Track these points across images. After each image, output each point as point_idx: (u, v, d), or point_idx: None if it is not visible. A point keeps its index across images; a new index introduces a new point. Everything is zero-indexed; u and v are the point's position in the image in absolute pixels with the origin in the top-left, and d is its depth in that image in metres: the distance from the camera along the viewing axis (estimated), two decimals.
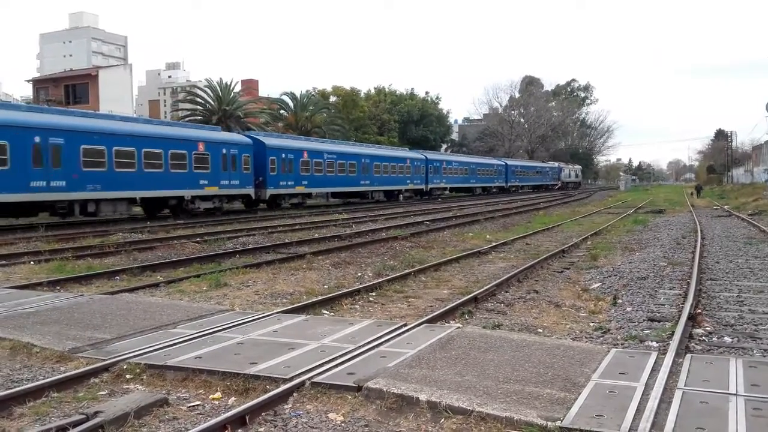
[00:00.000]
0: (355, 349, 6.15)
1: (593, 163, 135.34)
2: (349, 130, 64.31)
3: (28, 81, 67.29)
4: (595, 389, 4.97)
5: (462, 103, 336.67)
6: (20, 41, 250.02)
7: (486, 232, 21.82)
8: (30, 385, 5.35)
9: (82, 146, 24.07)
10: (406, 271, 12.16)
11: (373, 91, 79.51)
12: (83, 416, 4.57)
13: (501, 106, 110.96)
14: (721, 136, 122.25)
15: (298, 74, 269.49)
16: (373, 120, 72.12)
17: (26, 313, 7.93)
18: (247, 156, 32.62)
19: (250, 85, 79.71)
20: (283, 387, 5.16)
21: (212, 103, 54.49)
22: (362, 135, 65.43)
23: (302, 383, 5.25)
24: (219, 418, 4.56)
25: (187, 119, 52.98)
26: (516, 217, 30.24)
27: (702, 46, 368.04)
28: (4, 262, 14.01)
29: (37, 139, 22.55)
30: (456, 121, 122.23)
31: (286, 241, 18.01)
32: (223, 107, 53.35)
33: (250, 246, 16.93)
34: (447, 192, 60.39)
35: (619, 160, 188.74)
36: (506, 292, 10.49)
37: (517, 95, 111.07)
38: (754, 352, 6.91)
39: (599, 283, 11.37)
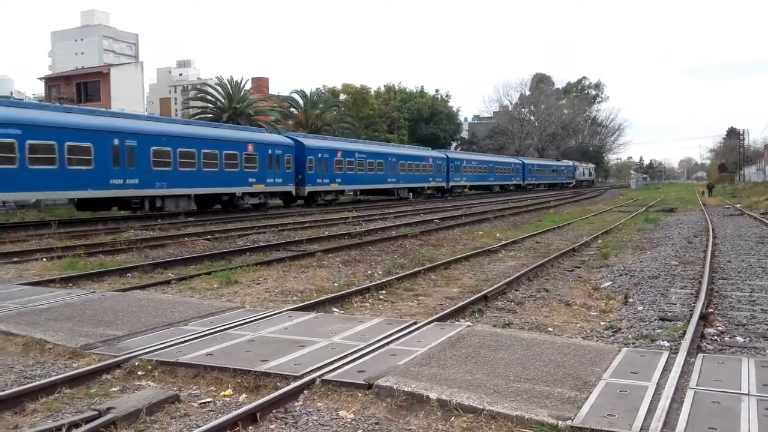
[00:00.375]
0: (365, 347, 6.16)
1: (604, 162, 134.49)
2: (359, 128, 64.23)
3: (40, 79, 67.74)
4: (606, 388, 4.96)
5: (472, 101, 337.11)
6: (32, 39, 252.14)
7: (496, 231, 21.77)
8: (43, 381, 5.39)
9: (152, 147, 26.37)
10: (416, 270, 12.16)
11: (383, 88, 79.28)
12: (95, 412, 4.61)
13: (511, 104, 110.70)
14: (733, 134, 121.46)
15: (308, 72, 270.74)
16: (383, 118, 71.98)
17: (39, 310, 8.00)
18: (289, 156, 35.02)
19: (260, 83, 79.62)
20: (293, 384, 5.17)
21: (223, 100, 54.55)
22: (372, 133, 65.32)
23: (313, 381, 5.26)
24: (230, 415, 4.58)
25: (197, 117, 53.11)
26: (526, 216, 30.15)
27: (714, 43, 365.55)
28: (17, 259, 14.15)
29: (115, 141, 24.89)
30: (466, 119, 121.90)
31: (297, 238, 18.05)
32: (234, 105, 53.39)
33: (261, 243, 16.99)
34: (467, 190, 61.70)
35: (630, 158, 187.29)
36: (516, 290, 10.47)
37: (528, 93, 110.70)
38: (767, 352, 6.86)
39: (610, 282, 11.32)
